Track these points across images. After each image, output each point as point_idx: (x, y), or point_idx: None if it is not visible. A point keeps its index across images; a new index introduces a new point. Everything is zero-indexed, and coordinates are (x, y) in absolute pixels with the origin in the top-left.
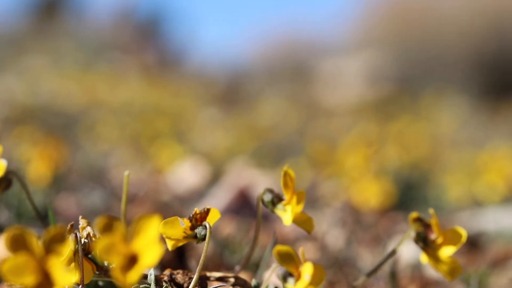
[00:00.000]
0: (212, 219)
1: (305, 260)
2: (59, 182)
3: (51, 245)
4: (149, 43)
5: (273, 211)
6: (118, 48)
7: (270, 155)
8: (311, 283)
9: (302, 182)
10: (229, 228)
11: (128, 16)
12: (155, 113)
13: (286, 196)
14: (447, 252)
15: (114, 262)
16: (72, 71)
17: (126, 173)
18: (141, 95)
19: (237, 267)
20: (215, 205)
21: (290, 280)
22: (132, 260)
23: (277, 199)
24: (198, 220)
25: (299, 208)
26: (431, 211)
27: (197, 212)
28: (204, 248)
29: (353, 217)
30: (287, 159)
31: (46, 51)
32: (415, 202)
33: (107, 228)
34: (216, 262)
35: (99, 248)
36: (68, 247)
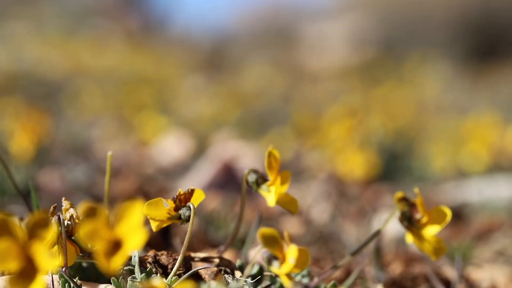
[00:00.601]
0: (196, 199)
1: (290, 242)
2: (42, 156)
3: (34, 230)
4: (132, 8)
5: (257, 191)
6: (101, 14)
7: (255, 123)
8: (295, 266)
9: (286, 152)
10: (214, 203)
11: None
12: (139, 81)
13: (271, 177)
14: (431, 231)
15: (98, 247)
16: (55, 37)
17: (109, 153)
18: (124, 62)
19: (222, 247)
20: (200, 180)
21: (275, 263)
22: (116, 245)
23: (261, 179)
24: (182, 201)
25: (283, 189)
26: (416, 190)
27: (181, 193)
28: (188, 230)
29: (338, 189)
30: (272, 128)
31: (28, 17)
32: (399, 173)
33: (91, 214)
34: (201, 238)
35: (82, 233)
36: (52, 232)
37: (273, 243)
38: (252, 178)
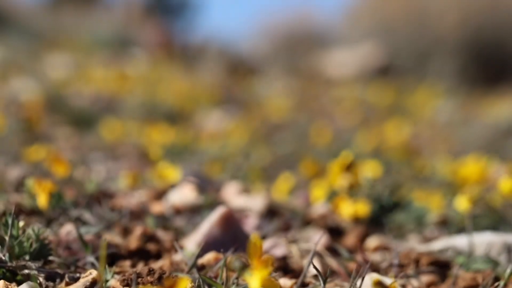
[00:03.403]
0: None
1: None
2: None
3: None
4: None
5: (241, 277)
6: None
7: (268, 167)
8: None
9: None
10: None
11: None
12: (162, 116)
13: (253, 263)
14: None
15: None
16: (94, 67)
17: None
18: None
19: None
20: (198, 238)
21: None
22: None
23: (244, 265)
24: None
25: (266, 273)
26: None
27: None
28: None
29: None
30: (285, 170)
31: (69, 47)
32: (392, 223)
33: None
34: None
35: None
36: None
37: None
38: (236, 264)
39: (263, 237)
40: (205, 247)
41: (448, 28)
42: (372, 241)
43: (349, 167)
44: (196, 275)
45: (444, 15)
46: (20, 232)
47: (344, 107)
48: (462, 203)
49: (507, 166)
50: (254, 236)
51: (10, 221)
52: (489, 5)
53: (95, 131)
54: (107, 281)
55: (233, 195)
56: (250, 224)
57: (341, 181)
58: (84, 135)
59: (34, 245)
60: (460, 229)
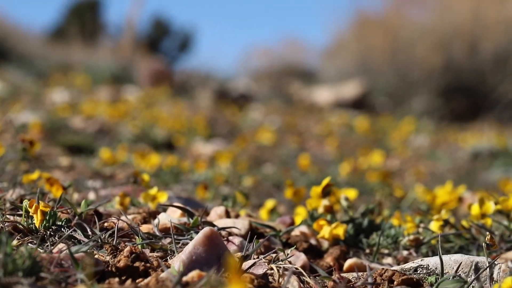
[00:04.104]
0: None
1: None
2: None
3: None
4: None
5: None
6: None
7: (254, 192)
8: None
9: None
10: None
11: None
12: (155, 146)
13: (231, 281)
14: None
15: None
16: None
17: None
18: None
19: None
20: (183, 257)
21: None
22: None
23: (225, 283)
24: None
25: None
26: None
27: None
28: None
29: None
30: (271, 196)
31: (65, 84)
32: (369, 244)
33: None
34: None
35: None
36: None
37: None
38: (217, 282)
39: (246, 257)
40: (190, 266)
41: (428, 68)
42: (349, 261)
43: (328, 192)
44: None
45: (426, 58)
46: (14, 249)
47: (325, 132)
48: (434, 226)
49: (477, 192)
50: (231, 255)
51: (4, 239)
52: (468, 48)
53: (91, 157)
54: None
55: (219, 217)
56: (233, 244)
57: (321, 204)
58: (80, 161)
59: (27, 262)
60: (432, 250)
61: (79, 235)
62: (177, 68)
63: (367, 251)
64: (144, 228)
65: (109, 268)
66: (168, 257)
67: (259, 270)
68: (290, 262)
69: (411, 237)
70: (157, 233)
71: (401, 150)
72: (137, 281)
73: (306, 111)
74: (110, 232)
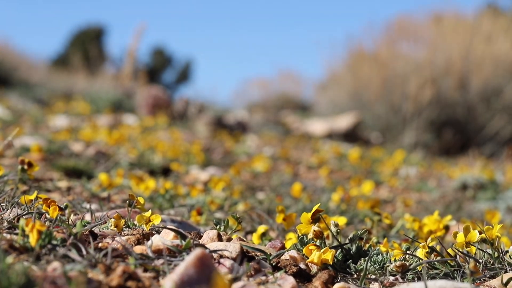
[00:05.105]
0: None
1: None
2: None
3: None
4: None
5: None
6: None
7: (247, 218)
8: None
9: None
10: None
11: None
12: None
13: None
14: None
15: None
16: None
17: None
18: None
19: None
20: (174, 277)
21: None
22: None
23: None
24: None
25: None
26: None
27: None
28: None
29: None
30: (263, 222)
31: (67, 110)
32: (357, 269)
33: None
34: None
35: None
36: None
37: None
38: None
39: (236, 279)
40: (181, 286)
41: (420, 103)
42: (337, 285)
43: (318, 218)
44: None
45: (418, 92)
46: (9, 267)
47: (318, 161)
48: (420, 253)
49: (463, 222)
50: (219, 276)
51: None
52: (459, 84)
53: (89, 181)
54: None
55: (211, 240)
56: (225, 266)
57: (310, 230)
58: (79, 185)
59: (21, 279)
60: (418, 276)
61: (73, 254)
62: (176, 96)
63: (355, 276)
64: (138, 249)
65: (102, 287)
66: (160, 278)
67: None
68: (279, 285)
69: (398, 263)
70: (150, 254)
71: (392, 181)
72: None
73: (300, 141)
74: (104, 252)
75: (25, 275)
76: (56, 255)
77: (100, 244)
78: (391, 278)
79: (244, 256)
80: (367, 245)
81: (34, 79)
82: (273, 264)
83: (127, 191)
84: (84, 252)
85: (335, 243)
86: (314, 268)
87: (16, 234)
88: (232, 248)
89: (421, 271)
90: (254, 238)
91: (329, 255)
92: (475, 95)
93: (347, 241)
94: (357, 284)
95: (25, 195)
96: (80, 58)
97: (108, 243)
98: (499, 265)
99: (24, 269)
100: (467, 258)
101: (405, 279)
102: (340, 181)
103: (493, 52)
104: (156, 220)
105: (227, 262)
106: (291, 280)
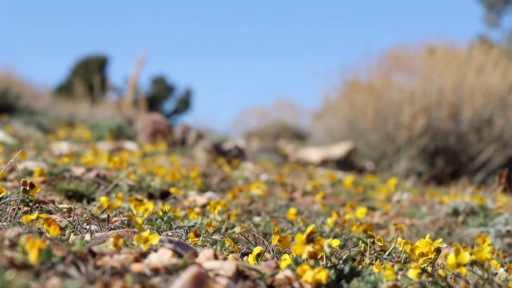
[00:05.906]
0: None
1: None
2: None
3: None
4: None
5: None
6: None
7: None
8: None
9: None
10: None
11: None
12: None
13: None
14: None
15: None
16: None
17: None
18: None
19: None
20: None
21: None
22: None
23: None
24: None
25: None
26: None
27: None
28: None
29: None
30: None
31: (70, 137)
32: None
33: None
34: None
35: None
36: None
37: None
38: None
39: None
40: None
41: (413, 132)
42: None
43: (312, 239)
44: None
45: (412, 122)
46: (8, 283)
47: (313, 187)
48: (412, 274)
49: (454, 245)
50: None
51: None
52: (452, 114)
53: (90, 204)
54: None
55: (208, 260)
56: (220, 284)
57: (305, 250)
58: (79, 207)
59: None
60: None
61: (72, 271)
62: (176, 124)
63: None
64: (136, 267)
65: None
66: None
67: None
68: None
69: (390, 283)
70: (148, 272)
71: (385, 206)
72: None
73: (296, 168)
74: (102, 269)
75: None
76: (55, 272)
77: (98, 262)
78: None
79: (239, 275)
80: (360, 266)
81: (38, 107)
82: (268, 283)
83: (126, 213)
84: (83, 269)
85: (329, 264)
86: (307, 287)
87: (17, 251)
88: (228, 267)
89: None
90: (250, 259)
91: (322, 275)
92: (467, 124)
93: (340, 262)
94: None
95: (26, 215)
96: (82, 87)
97: (106, 261)
98: (489, 286)
99: (23, 285)
100: (457, 279)
101: None
102: (334, 206)
103: (484, 83)
104: (154, 240)
105: (223, 281)
106: None
